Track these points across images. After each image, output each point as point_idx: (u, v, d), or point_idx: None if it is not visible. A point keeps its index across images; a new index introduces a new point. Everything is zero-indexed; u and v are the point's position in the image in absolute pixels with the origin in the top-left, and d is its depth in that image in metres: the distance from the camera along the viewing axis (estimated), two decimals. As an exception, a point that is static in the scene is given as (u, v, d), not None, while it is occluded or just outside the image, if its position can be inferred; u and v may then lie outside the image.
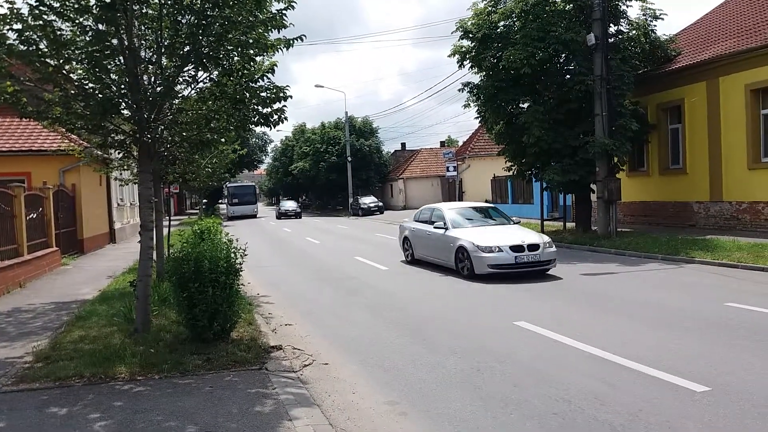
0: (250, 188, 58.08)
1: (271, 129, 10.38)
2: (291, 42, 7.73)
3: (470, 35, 19.60)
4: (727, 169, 18.10)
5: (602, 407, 5.17)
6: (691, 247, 14.47)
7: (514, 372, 6.24)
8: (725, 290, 10.24)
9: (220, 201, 68.04)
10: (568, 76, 19.31)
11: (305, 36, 7.70)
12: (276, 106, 8.21)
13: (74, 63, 7.36)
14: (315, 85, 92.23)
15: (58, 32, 7.08)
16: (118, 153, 9.93)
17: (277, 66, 8.30)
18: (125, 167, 13.63)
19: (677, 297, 9.90)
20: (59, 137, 17.45)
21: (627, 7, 19.79)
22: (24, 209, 13.89)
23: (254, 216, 54.11)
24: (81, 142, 16.99)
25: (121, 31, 7.11)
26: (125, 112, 7.91)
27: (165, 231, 13.87)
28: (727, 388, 5.45)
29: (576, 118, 19.03)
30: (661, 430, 4.69)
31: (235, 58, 7.62)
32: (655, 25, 20.40)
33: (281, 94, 8.06)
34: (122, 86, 7.44)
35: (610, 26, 18.98)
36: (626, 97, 19.24)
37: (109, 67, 7.33)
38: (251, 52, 7.56)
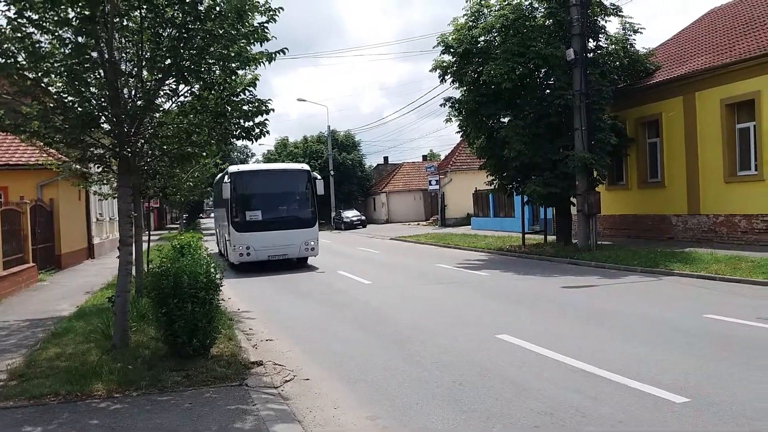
0: (298, 177, 19.54)
1: (252, 143, 10.34)
2: (273, 55, 7.73)
3: (451, 50, 19.80)
4: (704, 183, 18.38)
5: (583, 419, 5.18)
6: (669, 260, 14.63)
7: (497, 385, 6.24)
8: (703, 302, 10.35)
9: (201, 215, 66.78)
10: (548, 91, 19.54)
11: (287, 49, 7.71)
12: (258, 119, 8.20)
13: (53, 76, 7.29)
14: (297, 98, 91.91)
15: (37, 45, 7.02)
16: (98, 167, 9.83)
17: (259, 79, 8.30)
18: (104, 181, 13.47)
19: (657, 309, 9.99)
20: (37, 151, 17.21)
21: (606, 22, 20.18)
22: (0, 224, 13.66)
23: (304, 261, 19.82)
24: (59, 156, 16.79)
25: (102, 44, 7.07)
26: (105, 125, 7.84)
27: (144, 246, 13.71)
28: (706, 399, 5.49)
29: (556, 133, 19.24)
30: (642, 442, 4.71)
31: (217, 72, 7.60)
32: (633, 40, 20.79)
33: (263, 108, 8.05)
34: (102, 100, 7.39)
35: (589, 41, 19.28)
36: (605, 112, 19.50)
37: (88, 80, 7.27)
38: (233, 65, 7.55)
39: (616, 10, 20.02)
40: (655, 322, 8.96)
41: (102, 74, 7.23)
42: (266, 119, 8.27)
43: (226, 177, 18.43)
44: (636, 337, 8.10)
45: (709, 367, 6.55)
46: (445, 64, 20.29)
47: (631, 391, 5.82)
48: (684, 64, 19.62)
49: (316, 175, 19.41)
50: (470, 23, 19.91)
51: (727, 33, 19.39)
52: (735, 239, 17.31)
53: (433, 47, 20.70)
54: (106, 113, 7.42)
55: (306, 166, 20.04)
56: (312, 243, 18.70)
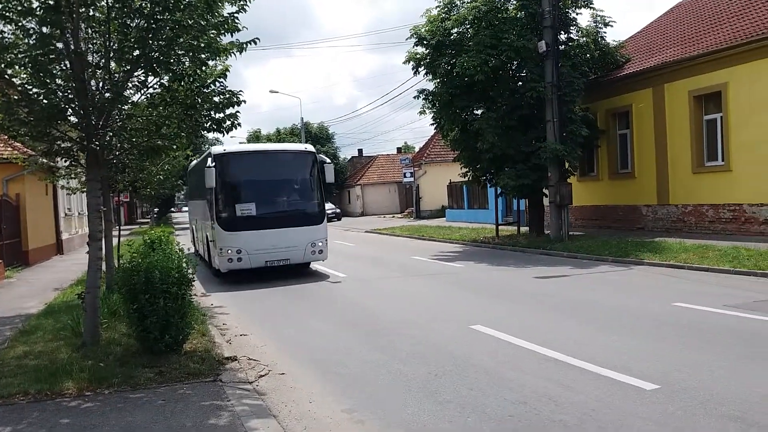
0: (301, 160, 15.43)
1: (224, 135, 10.18)
2: (244, 46, 7.64)
3: (424, 42, 19.80)
4: (673, 173, 18.71)
5: (557, 408, 5.25)
6: (639, 249, 14.87)
7: (471, 376, 6.28)
8: (672, 290, 10.55)
9: (172, 209, 65.82)
10: (520, 83, 19.67)
11: (258, 39, 7.62)
12: (229, 111, 8.11)
13: (17, 67, 7.09)
14: (270, 90, 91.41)
15: (0, 35, 6.82)
16: (65, 161, 9.62)
17: (229, 71, 8.21)
18: (73, 176, 13.22)
19: (627, 298, 10.15)
20: (2, 145, 16.81)
21: (577, 14, 20.38)
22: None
23: (305, 266, 15.96)
24: (25, 149, 16.41)
25: (67, 35, 6.90)
26: (72, 118, 7.68)
27: (115, 241, 13.49)
28: (675, 386, 5.60)
29: (528, 124, 19.39)
30: (613, 429, 4.78)
31: (187, 63, 7.48)
32: (604, 32, 21.02)
33: (234, 99, 7.96)
34: (68, 91, 7.22)
35: (561, 34, 19.44)
36: (576, 104, 19.71)
37: (54, 71, 7.10)
38: (203, 56, 7.43)
39: (587, 2, 20.21)
40: (626, 310, 9.10)
41: (68, 65, 7.07)
42: (237, 111, 8.18)
43: (210, 160, 14.29)
44: (607, 325, 8.22)
45: (678, 354, 6.68)
46: (418, 56, 20.29)
47: (603, 379, 5.91)
48: (653, 57, 19.90)
49: (324, 157, 15.49)
50: (443, 15, 19.92)
51: (694, 26, 19.72)
52: (703, 228, 17.67)
53: (406, 39, 20.70)
54: (73, 105, 7.27)
55: (311, 147, 15.73)
56: (320, 244, 14.82)
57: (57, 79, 7.19)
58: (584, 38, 20.39)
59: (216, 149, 15.03)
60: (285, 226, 14.41)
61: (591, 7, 20.40)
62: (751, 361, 6.31)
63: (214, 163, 14.09)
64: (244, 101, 8.07)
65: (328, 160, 15.25)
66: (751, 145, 16.06)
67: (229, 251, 14.07)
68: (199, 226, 18.70)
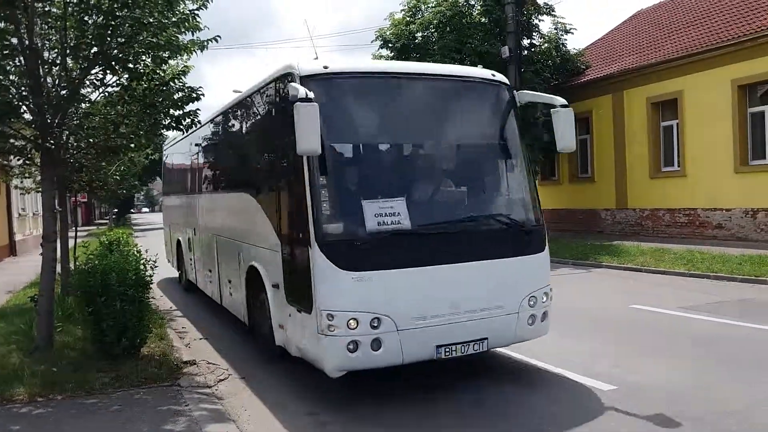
0: (491, 101, 6.60)
1: (183, 133, 10.04)
2: (205, 44, 7.53)
3: (389, 45, 19.85)
4: (631, 178, 19.14)
5: (516, 408, 5.31)
6: (599, 253, 15.18)
7: (430, 377, 6.29)
8: (630, 293, 10.79)
9: (131, 210, 64.37)
10: (484, 88, 19.82)
11: (220, 37, 7.51)
12: (188, 108, 7.97)
13: (-33, 62, 6.85)
14: (233, 90, 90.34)
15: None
16: (19, 160, 9.32)
17: (189, 69, 8.09)
18: (27, 175, 12.80)
19: (586, 300, 10.33)
20: (-48, 142, 16.20)
21: (539, 21, 20.62)
22: None
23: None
24: (-23, 147, 15.84)
25: (22, 30, 6.69)
26: (26, 116, 7.44)
27: (71, 242, 13.13)
28: (632, 386, 5.72)
29: (492, 129, 19.55)
30: (571, 429, 4.85)
31: (147, 61, 7.33)
32: (565, 39, 21.35)
33: (194, 95, 7.83)
34: (22, 88, 7.00)
35: (524, 39, 19.69)
36: (538, 109, 19.98)
37: (7, 67, 6.88)
38: (164, 54, 7.30)
39: (549, 10, 20.53)
40: (585, 312, 9.26)
41: (22, 61, 6.85)
42: (197, 109, 8.07)
43: (300, 88, 5.15)
44: (567, 327, 8.33)
45: (634, 355, 6.83)
46: (383, 59, 20.32)
47: (561, 380, 6.01)
48: (612, 64, 20.35)
49: (556, 97, 7.15)
50: (408, 19, 20.01)
51: (652, 34, 20.24)
52: (659, 232, 18.12)
53: (371, 41, 20.77)
54: (27, 103, 7.04)
55: (501, 76, 7.00)
56: (544, 299, 6.35)
57: (11, 76, 6.97)
58: (546, 45, 20.70)
59: (306, 66, 5.88)
60: (474, 257, 5.85)
61: (553, 15, 20.72)
62: (705, 361, 6.50)
63: (312, 95, 5.19)
64: (203, 95, 7.96)
65: (562, 101, 6.97)
66: (704, 152, 16.55)
67: (352, 322, 5.32)
68: (207, 245, 10.34)
